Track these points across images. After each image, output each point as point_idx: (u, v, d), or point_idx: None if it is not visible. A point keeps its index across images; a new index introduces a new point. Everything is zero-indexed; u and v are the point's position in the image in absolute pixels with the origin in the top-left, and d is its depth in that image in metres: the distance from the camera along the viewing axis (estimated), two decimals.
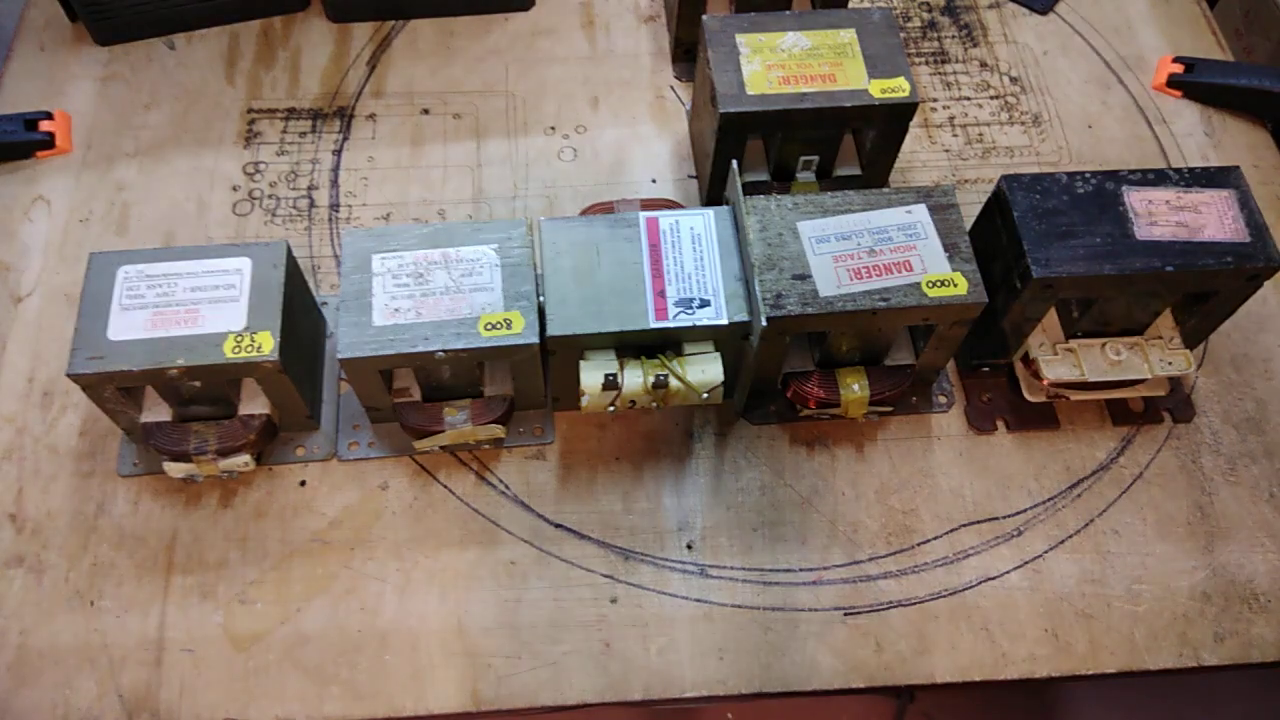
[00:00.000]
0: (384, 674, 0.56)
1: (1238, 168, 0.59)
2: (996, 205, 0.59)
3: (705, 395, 0.56)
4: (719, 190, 0.67)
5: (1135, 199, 0.57)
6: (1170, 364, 0.60)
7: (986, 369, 0.65)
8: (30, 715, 0.54)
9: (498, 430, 0.60)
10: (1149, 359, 0.60)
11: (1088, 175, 0.58)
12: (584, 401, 0.55)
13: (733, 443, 0.63)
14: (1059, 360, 0.60)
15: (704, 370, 0.55)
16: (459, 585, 0.58)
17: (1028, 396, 0.63)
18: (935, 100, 0.79)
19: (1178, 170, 0.59)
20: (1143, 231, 0.56)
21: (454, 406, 0.59)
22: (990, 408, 0.65)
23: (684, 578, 0.59)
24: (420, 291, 0.55)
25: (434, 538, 0.60)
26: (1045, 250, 0.55)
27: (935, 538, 0.61)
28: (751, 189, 0.66)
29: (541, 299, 0.56)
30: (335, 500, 0.61)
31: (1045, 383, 0.61)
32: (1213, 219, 0.56)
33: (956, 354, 0.66)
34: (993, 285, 0.58)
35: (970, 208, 0.63)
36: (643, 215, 0.58)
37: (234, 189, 0.72)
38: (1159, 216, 0.56)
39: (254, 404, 0.58)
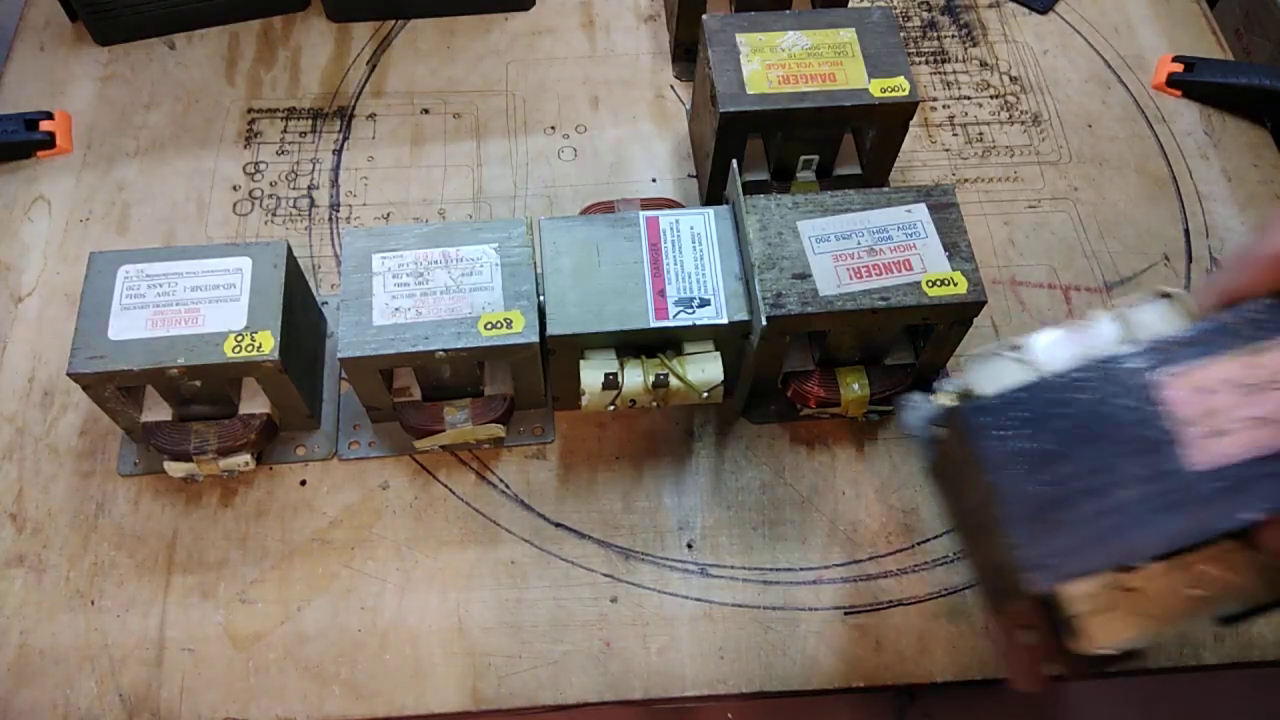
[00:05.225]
0: (384, 673, 0.56)
1: None
2: (955, 448, 0.36)
3: (705, 394, 0.56)
4: (719, 190, 0.67)
5: (1177, 389, 0.32)
6: None
7: None
8: (31, 715, 0.54)
9: (498, 430, 0.60)
10: None
11: (1085, 369, 0.34)
12: (584, 401, 0.55)
13: (733, 442, 0.63)
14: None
15: (704, 369, 0.55)
16: (459, 585, 0.58)
17: None
18: (935, 100, 0.79)
19: (1236, 313, 0.33)
20: (1200, 454, 0.31)
21: (454, 406, 0.59)
22: None
23: (684, 577, 0.59)
24: (420, 291, 0.55)
25: (434, 537, 0.60)
26: (1044, 544, 0.33)
27: (935, 537, 0.61)
28: (751, 188, 0.66)
29: (541, 298, 0.56)
30: (335, 500, 0.61)
31: None
32: None
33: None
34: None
35: (970, 207, 0.63)
36: (643, 215, 0.58)
37: (234, 189, 0.72)
38: (1223, 414, 0.31)
39: (254, 403, 0.58)
